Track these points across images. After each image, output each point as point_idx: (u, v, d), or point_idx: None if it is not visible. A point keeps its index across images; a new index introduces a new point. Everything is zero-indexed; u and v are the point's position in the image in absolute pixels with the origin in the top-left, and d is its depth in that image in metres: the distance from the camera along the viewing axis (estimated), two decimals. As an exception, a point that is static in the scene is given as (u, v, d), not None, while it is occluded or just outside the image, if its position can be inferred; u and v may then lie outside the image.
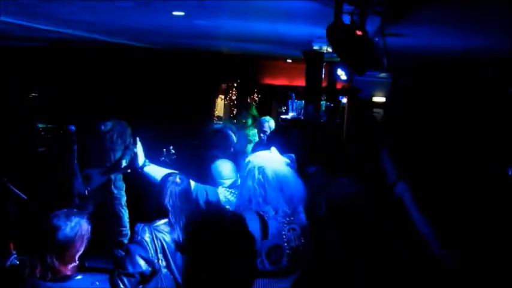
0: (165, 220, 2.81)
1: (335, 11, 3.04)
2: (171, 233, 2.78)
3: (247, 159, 2.98)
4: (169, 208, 2.81)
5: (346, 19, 3.10)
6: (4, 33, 5.94)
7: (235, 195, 3.30)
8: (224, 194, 3.32)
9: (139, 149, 3.34)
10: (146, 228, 2.76)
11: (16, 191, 4.29)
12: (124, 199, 5.45)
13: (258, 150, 3.70)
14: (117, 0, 3.80)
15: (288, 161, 3.04)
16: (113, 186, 5.34)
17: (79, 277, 2.37)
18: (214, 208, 2.49)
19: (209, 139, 4.48)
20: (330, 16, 3.10)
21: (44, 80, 8.85)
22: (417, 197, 2.39)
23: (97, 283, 2.44)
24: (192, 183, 3.27)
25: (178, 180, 2.90)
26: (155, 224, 2.80)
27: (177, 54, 9.79)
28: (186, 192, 2.92)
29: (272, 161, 2.92)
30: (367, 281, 1.99)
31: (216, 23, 5.05)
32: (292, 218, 2.86)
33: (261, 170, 2.85)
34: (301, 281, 2.72)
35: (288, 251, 2.78)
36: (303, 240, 2.85)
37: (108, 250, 5.18)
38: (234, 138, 4.54)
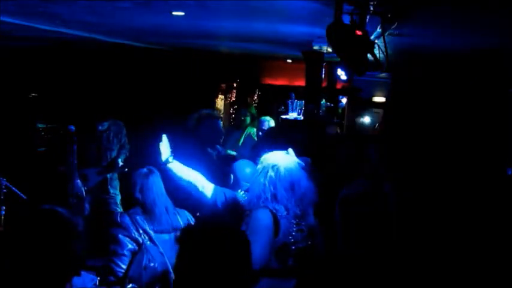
0: (139, 207, 3.15)
1: (335, 11, 3.04)
2: (146, 217, 3.10)
3: (262, 157, 3.01)
4: (140, 199, 3.13)
5: (346, 19, 3.10)
6: (4, 33, 5.94)
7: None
8: (243, 196, 3.31)
9: (163, 145, 3.32)
10: (124, 214, 3.12)
11: (16, 190, 4.29)
12: (119, 198, 5.48)
13: (257, 150, 3.69)
14: (117, 1, 3.80)
15: (302, 163, 3.05)
16: (109, 186, 5.37)
17: None
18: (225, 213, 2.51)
19: (196, 130, 4.39)
20: (330, 16, 3.10)
21: (44, 80, 8.84)
22: (401, 198, 2.39)
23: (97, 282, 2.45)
24: (211, 185, 3.28)
25: (145, 171, 3.19)
26: (131, 210, 3.15)
27: (177, 54, 9.78)
28: (154, 182, 3.17)
29: (287, 161, 2.95)
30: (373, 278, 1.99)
31: (216, 23, 5.05)
32: (301, 220, 2.89)
33: (275, 168, 2.89)
34: (307, 282, 2.72)
35: (294, 252, 2.81)
36: (309, 242, 2.88)
37: (105, 249, 5.19)
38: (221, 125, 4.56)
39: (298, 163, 3.01)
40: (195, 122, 4.36)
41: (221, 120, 4.61)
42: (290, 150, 3.10)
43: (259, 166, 2.97)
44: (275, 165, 2.89)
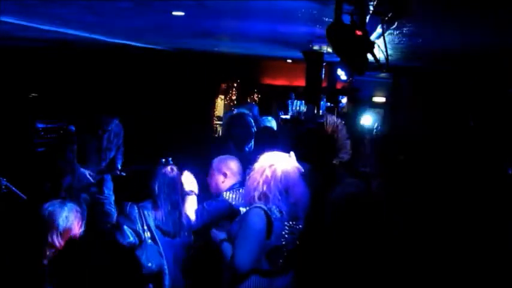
0: (150, 201, 3.17)
1: (335, 11, 3.03)
2: (155, 213, 3.12)
3: (262, 156, 3.00)
4: (156, 191, 3.14)
5: (346, 19, 3.10)
6: (4, 33, 5.94)
7: (238, 194, 3.32)
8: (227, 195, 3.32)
9: (187, 178, 3.41)
10: (134, 206, 3.12)
11: (16, 190, 4.30)
12: (113, 198, 5.50)
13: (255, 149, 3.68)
14: (117, 0, 3.80)
15: (301, 169, 3.04)
16: (104, 187, 5.39)
17: None
18: None
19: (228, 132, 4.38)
20: (330, 16, 3.10)
21: (44, 80, 8.84)
22: (399, 198, 2.39)
23: None
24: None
25: (169, 169, 3.19)
26: (141, 203, 3.16)
27: (177, 54, 9.78)
28: (175, 182, 3.19)
29: (285, 164, 2.93)
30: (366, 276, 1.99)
31: (216, 23, 5.05)
32: (294, 223, 2.88)
33: (272, 168, 2.87)
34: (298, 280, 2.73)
35: (285, 254, 2.81)
36: (297, 244, 2.89)
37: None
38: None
39: (297, 168, 2.99)
40: (226, 124, 4.40)
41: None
42: (292, 153, 3.09)
43: (256, 164, 2.95)
44: (272, 165, 2.88)
